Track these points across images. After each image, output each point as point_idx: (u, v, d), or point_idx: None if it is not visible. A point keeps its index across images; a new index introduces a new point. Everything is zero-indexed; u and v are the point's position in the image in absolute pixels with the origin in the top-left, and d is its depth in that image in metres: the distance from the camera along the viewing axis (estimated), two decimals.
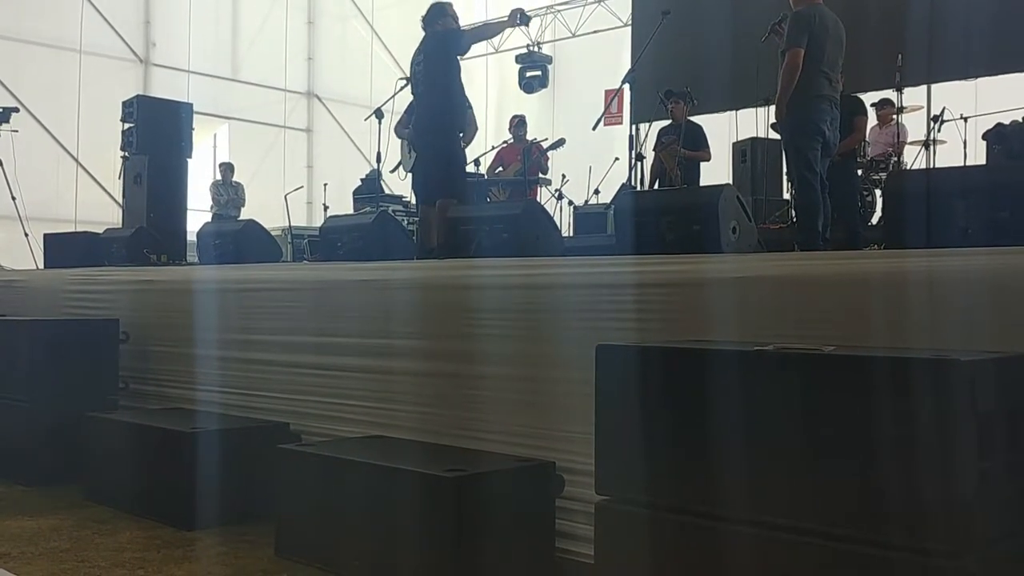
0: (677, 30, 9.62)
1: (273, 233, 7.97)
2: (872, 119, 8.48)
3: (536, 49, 14.73)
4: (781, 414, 2.45)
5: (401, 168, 8.53)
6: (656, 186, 8.78)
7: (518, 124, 10.06)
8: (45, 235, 7.95)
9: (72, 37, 14.36)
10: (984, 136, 7.99)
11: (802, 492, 2.38)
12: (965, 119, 8.78)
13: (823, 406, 2.38)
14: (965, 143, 8.67)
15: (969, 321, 2.77)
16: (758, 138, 9.79)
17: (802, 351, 2.52)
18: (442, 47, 6.42)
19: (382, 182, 9.73)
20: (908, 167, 8.58)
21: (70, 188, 14.24)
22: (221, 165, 13.44)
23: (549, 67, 14.57)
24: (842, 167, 6.75)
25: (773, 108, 6.08)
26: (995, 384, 2.30)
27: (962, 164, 8.16)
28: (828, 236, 5.72)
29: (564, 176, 10.69)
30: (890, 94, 8.78)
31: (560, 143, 9.48)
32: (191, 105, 9.32)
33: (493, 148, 10.32)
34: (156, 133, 8.63)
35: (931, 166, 8.39)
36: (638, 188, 7.68)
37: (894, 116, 8.83)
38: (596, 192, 10.82)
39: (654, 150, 8.94)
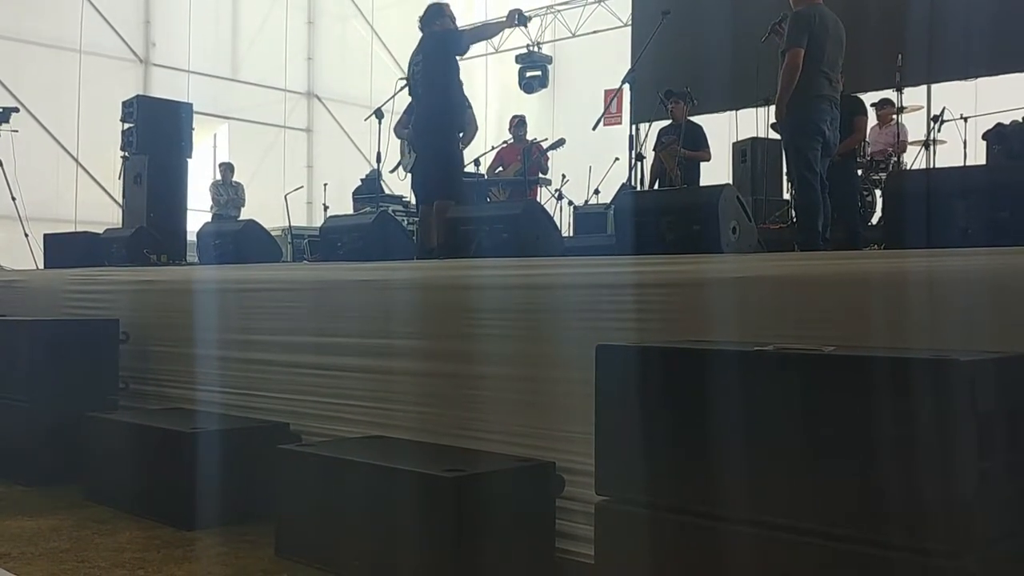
0: (677, 30, 9.61)
1: (273, 233, 7.97)
2: (872, 119, 8.47)
3: (536, 49, 14.73)
4: (781, 414, 2.45)
5: (401, 168, 8.52)
6: (656, 186, 8.78)
7: (518, 124, 10.05)
8: (45, 235, 7.95)
9: (72, 37, 14.37)
10: (984, 136, 7.98)
11: (802, 492, 2.38)
12: (965, 119, 8.78)
13: (823, 406, 2.38)
14: (965, 143, 8.68)
15: (969, 321, 2.77)
16: (758, 138, 9.79)
17: (802, 351, 2.52)
18: (441, 47, 6.41)
19: (382, 182, 9.71)
20: (908, 167, 8.58)
21: (70, 188, 14.25)
22: (221, 165, 13.43)
23: (549, 67, 14.56)
24: (842, 167, 6.75)
25: (773, 108, 6.09)
26: (995, 384, 2.31)
27: (962, 164, 8.16)
28: (828, 236, 5.72)
29: (564, 176, 10.68)
30: (890, 94, 8.77)
31: (560, 143, 9.46)
32: (191, 105, 9.32)
33: (493, 148, 10.30)
34: (156, 133, 8.62)
35: (931, 166, 8.39)
36: (638, 188, 7.68)
37: (894, 116, 8.83)
38: (596, 192, 10.82)
39: (654, 150, 8.93)
